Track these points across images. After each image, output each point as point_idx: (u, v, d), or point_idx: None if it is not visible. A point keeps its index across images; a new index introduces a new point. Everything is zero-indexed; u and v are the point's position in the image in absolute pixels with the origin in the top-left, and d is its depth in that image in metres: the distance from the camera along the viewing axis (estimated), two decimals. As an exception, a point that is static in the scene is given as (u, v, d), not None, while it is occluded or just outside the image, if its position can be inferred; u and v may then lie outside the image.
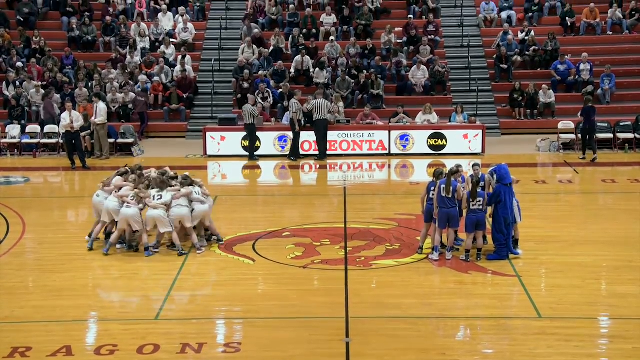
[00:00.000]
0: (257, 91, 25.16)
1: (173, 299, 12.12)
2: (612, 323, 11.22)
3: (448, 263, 13.47)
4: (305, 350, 10.22)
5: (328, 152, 23.14)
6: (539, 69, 27.86)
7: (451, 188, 13.21)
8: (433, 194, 13.51)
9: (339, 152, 23.43)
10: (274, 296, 12.18)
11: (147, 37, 28.89)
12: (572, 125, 24.01)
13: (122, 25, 29.02)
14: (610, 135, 24.19)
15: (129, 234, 14.21)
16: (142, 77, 26.63)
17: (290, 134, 23.16)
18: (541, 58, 27.92)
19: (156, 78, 26.92)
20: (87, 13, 29.69)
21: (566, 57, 27.26)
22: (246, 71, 26.38)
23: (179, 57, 27.66)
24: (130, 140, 24.32)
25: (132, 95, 26.02)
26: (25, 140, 24.64)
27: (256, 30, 28.60)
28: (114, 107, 25.78)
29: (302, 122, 22.95)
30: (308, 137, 23.26)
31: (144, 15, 30.23)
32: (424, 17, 29.72)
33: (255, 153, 23.10)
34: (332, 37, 28.27)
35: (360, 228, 15.55)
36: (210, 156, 23.48)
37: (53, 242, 15.07)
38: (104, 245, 14.26)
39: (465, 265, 13.34)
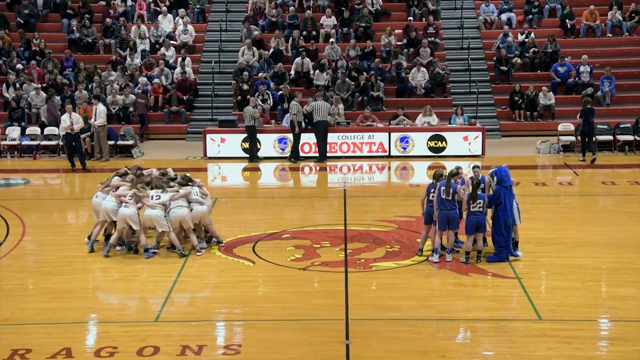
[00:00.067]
0: (257, 93, 25.17)
1: (173, 300, 12.11)
2: (612, 325, 11.22)
3: (448, 265, 13.46)
4: (305, 353, 10.21)
5: (328, 154, 23.14)
6: (538, 71, 27.87)
7: (451, 190, 13.21)
8: (433, 196, 13.51)
9: (339, 154, 23.43)
10: (274, 298, 12.17)
11: (147, 39, 28.90)
12: (572, 127, 24.02)
13: (122, 27, 29.03)
14: (610, 137, 24.21)
15: (128, 234, 14.20)
16: (142, 79, 26.65)
17: (290, 136, 23.16)
18: (541, 60, 27.93)
19: (156, 80, 26.93)
20: (87, 15, 29.70)
21: (566, 59, 27.27)
22: (245, 73, 26.38)
23: (179, 59, 27.66)
24: (130, 142, 24.32)
25: (132, 97, 26.03)
26: (25, 142, 24.66)
27: (256, 32, 28.62)
28: (113, 109, 25.78)
29: (302, 124, 22.95)
30: (308, 139, 23.27)
31: (144, 17, 30.24)
32: (423, 19, 29.72)
33: (252, 155, 23.09)
34: (332, 39, 28.28)
35: (360, 230, 15.55)
36: (210, 158, 23.49)
37: (53, 244, 15.07)
38: (104, 247, 14.26)
39: (465, 267, 13.33)
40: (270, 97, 25.56)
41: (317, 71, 26.76)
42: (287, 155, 23.21)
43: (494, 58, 27.91)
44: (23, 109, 25.64)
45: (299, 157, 23.04)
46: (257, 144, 23.24)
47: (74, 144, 22.09)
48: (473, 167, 14.03)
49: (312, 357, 10.11)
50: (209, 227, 14.56)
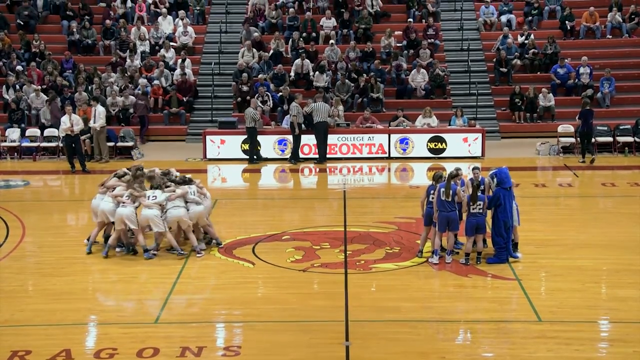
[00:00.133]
0: (257, 95, 25.17)
1: (172, 302, 12.10)
2: (612, 326, 11.22)
3: (448, 266, 13.46)
4: (305, 354, 10.21)
5: (328, 156, 23.14)
6: (538, 73, 27.89)
7: (451, 191, 13.21)
8: (433, 198, 13.51)
9: (339, 155, 23.43)
10: (274, 300, 12.17)
11: (147, 41, 28.91)
12: (572, 129, 24.01)
13: (122, 29, 29.04)
14: (610, 139, 24.21)
15: (127, 235, 14.19)
16: (142, 81, 26.66)
17: (289, 137, 23.17)
18: (541, 62, 27.94)
19: (156, 81, 26.93)
20: (87, 17, 29.70)
21: (566, 60, 27.29)
22: (245, 74, 26.38)
23: (179, 61, 27.67)
24: (130, 144, 24.33)
25: (132, 98, 26.04)
26: (25, 144, 24.66)
27: (256, 34, 28.63)
28: (113, 110, 25.80)
29: (302, 126, 22.95)
30: (308, 141, 23.27)
31: (144, 19, 30.25)
32: (423, 20, 29.72)
33: (255, 157, 23.08)
34: (332, 41, 28.29)
35: (360, 231, 15.55)
36: (210, 160, 23.49)
37: (53, 246, 15.07)
38: (103, 248, 14.25)
39: (465, 268, 13.33)
40: (270, 98, 25.57)
41: (317, 73, 26.77)
42: (287, 156, 23.22)
43: (494, 59, 27.92)
44: (23, 111, 25.64)
45: (299, 159, 23.04)
46: (258, 145, 23.22)
47: (73, 145, 22.09)
48: (473, 169, 14.05)
49: (312, 359, 10.10)
50: (208, 229, 14.55)
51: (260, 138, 23.24)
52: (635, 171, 22.05)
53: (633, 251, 14.18)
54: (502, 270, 13.20)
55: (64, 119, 22.18)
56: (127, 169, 14.96)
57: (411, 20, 29.47)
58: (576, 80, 26.87)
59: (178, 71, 27.25)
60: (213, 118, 26.05)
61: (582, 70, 26.87)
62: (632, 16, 29.45)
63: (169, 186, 14.17)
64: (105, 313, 11.85)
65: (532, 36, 28.51)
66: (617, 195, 19.28)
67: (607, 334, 11.09)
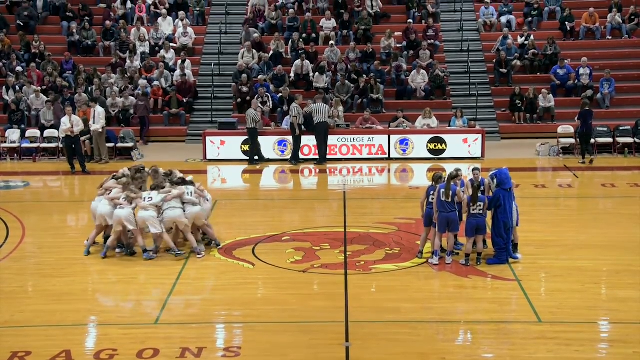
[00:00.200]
0: (257, 96, 25.16)
1: (172, 303, 12.10)
2: (612, 327, 11.22)
3: (448, 267, 13.46)
4: (305, 355, 10.21)
5: (328, 157, 23.14)
6: (538, 74, 27.90)
7: (451, 192, 13.21)
8: (432, 198, 13.51)
9: (339, 156, 23.44)
10: (274, 300, 12.17)
11: (147, 42, 28.92)
12: (572, 130, 24.00)
13: (122, 30, 29.05)
14: (610, 140, 24.20)
15: (127, 236, 14.18)
16: (142, 82, 26.67)
17: (289, 138, 23.17)
18: (541, 62, 27.95)
19: (156, 82, 26.93)
20: (87, 18, 29.73)
21: (566, 61, 27.29)
22: (244, 75, 26.38)
23: (179, 62, 27.68)
24: (130, 145, 24.33)
25: (132, 99, 26.05)
26: (25, 145, 24.66)
27: (256, 35, 28.63)
28: (113, 111, 25.80)
29: (302, 127, 22.95)
30: (308, 142, 23.27)
31: (143, 20, 30.26)
32: (423, 21, 29.73)
33: (256, 157, 23.08)
34: (331, 42, 28.30)
35: (360, 232, 15.55)
36: (210, 160, 23.49)
37: (53, 247, 15.07)
38: (102, 249, 14.25)
39: (465, 269, 13.33)
40: (270, 99, 25.57)
41: (317, 73, 26.78)
42: (286, 157, 23.23)
43: (494, 60, 27.93)
44: (23, 112, 25.64)
45: (299, 160, 23.03)
46: (259, 146, 23.19)
47: (73, 146, 22.09)
48: (473, 170, 14.05)
49: (312, 360, 10.12)
50: (207, 229, 14.53)
51: (260, 139, 23.24)
52: (635, 172, 22.05)
53: (633, 252, 14.18)
54: (502, 271, 13.20)
55: (64, 120, 22.18)
56: (128, 169, 14.96)
57: (411, 21, 29.48)
58: (576, 81, 26.88)
59: (178, 72, 27.26)
60: (213, 119, 26.05)
61: (582, 71, 26.88)
62: (632, 17, 29.45)
63: (163, 187, 14.16)
64: (105, 314, 11.86)
65: (532, 37, 28.52)
66: (617, 196, 19.28)
67: (607, 335, 11.09)
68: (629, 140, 24.06)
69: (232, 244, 14.86)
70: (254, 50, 27.95)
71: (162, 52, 28.32)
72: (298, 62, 27.35)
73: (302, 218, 17.53)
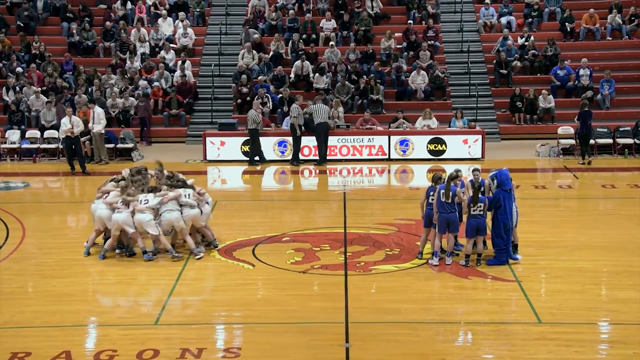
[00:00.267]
0: (257, 96, 25.15)
1: (172, 304, 12.10)
2: (612, 328, 11.22)
3: (448, 268, 13.46)
4: (305, 356, 10.21)
5: (328, 157, 23.13)
6: (538, 74, 27.91)
7: (450, 193, 13.21)
8: (432, 199, 13.51)
9: (339, 157, 23.44)
10: (274, 301, 12.17)
11: (147, 43, 28.92)
12: (572, 131, 23.98)
13: (122, 31, 29.05)
14: (610, 141, 24.20)
15: (127, 236, 14.17)
16: (142, 83, 26.67)
17: (289, 139, 23.17)
18: (541, 63, 27.95)
19: (156, 83, 26.93)
20: (87, 18, 29.75)
21: (566, 62, 27.30)
22: (244, 76, 26.38)
23: (179, 63, 27.70)
24: (130, 145, 24.33)
25: (132, 100, 26.06)
26: (25, 146, 24.66)
27: (256, 36, 28.63)
28: (113, 112, 25.81)
29: (302, 128, 22.95)
30: (308, 142, 23.27)
31: (143, 21, 30.26)
32: (423, 22, 29.74)
33: (256, 158, 23.08)
34: (331, 43, 28.31)
35: (360, 233, 15.55)
36: (210, 161, 23.49)
37: (52, 247, 15.07)
38: (102, 250, 14.27)
39: (465, 270, 13.33)
40: (270, 100, 25.57)
41: (317, 74, 26.78)
42: (286, 158, 23.23)
43: (494, 61, 27.92)
44: (23, 112, 25.65)
45: (299, 160, 23.02)
46: (260, 147, 23.18)
47: (73, 147, 22.09)
48: (473, 171, 14.05)
49: (312, 360, 10.12)
50: (205, 231, 14.50)
51: (260, 140, 23.21)
52: (635, 173, 22.05)
53: (633, 253, 14.18)
54: (502, 272, 13.20)
55: (64, 121, 22.18)
56: (130, 170, 14.95)
57: (411, 22, 29.48)
58: (576, 82, 26.88)
59: (178, 73, 27.26)
60: (213, 120, 26.04)
61: (582, 72, 26.88)
62: (632, 18, 29.45)
63: (161, 190, 14.15)
64: (105, 314, 11.85)
65: (532, 38, 28.52)
66: (617, 197, 19.28)
67: (607, 336, 11.10)
68: (629, 141, 24.05)
69: (232, 244, 14.86)
70: (254, 51, 27.96)
71: (162, 52, 28.33)
72: (298, 62, 27.35)
73: (302, 219, 17.53)
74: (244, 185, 22.13)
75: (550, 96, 26.12)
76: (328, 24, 29.46)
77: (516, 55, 28.10)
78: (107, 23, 29.44)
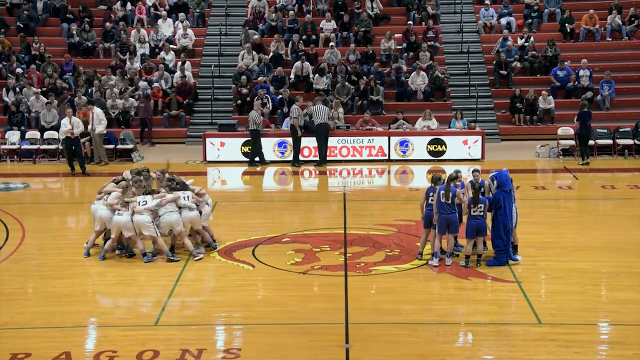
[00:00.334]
0: (256, 97, 25.14)
1: (172, 304, 12.10)
2: (612, 329, 11.22)
3: (448, 269, 13.45)
4: (305, 356, 10.21)
5: (328, 158, 23.13)
6: (538, 75, 27.92)
7: (450, 194, 13.20)
8: (432, 200, 13.51)
9: (339, 157, 23.44)
10: (274, 302, 12.17)
11: (147, 43, 28.93)
12: (572, 131, 23.97)
13: (122, 32, 29.06)
14: (610, 141, 24.20)
15: (127, 239, 14.17)
16: (142, 83, 26.68)
17: (289, 140, 23.17)
18: (540, 64, 27.96)
19: (156, 84, 26.93)
20: (87, 19, 29.74)
21: (565, 63, 27.30)
22: (244, 77, 26.38)
23: (179, 63, 27.71)
24: (130, 146, 24.32)
25: (132, 101, 26.06)
26: (24, 146, 24.66)
27: (256, 37, 28.64)
28: (113, 113, 25.81)
29: (302, 129, 22.95)
30: (308, 143, 23.27)
31: (143, 22, 30.27)
32: (423, 23, 29.74)
33: (256, 159, 23.07)
34: (331, 43, 28.32)
35: (360, 234, 15.54)
36: (210, 162, 23.49)
37: (52, 248, 15.07)
38: (101, 251, 14.26)
39: (464, 271, 13.33)
40: (270, 101, 25.57)
41: (317, 75, 26.78)
42: (287, 158, 23.23)
43: (494, 62, 27.93)
44: (23, 113, 25.65)
45: (300, 162, 22.99)
46: (261, 148, 23.16)
47: (73, 148, 22.09)
48: (473, 171, 14.04)
49: (312, 361, 10.12)
50: (203, 233, 14.47)
51: (261, 141, 23.20)
52: (635, 174, 22.06)
53: (633, 254, 14.18)
54: (502, 273, 13.20)
55: (64, 122, 22.19)
56: (131, 171, 14.95)
57: (411, 22, 29.48)
58: (576, 82, 26.89)
59: (178, 74, 27.26)
60: (213, 120, 26.05)
61: (581, 72, 26.88)
62: (632, 19, 29.45)
63: (159, 192, 14.14)
64: (105, 315, 11.86)
65: (532, 39, 28.53)
66: (617, 197, 19.28)
67: (607, 337, 11.10)
68: (629, 141, 24.05)
69: (232, 245, 14.85)
70: (254, 52, 27.96)
71: (162, 53, 28.33)
72: (298, 63, 27.35)
73: (302, 219, 17.54)
74: (244, 186, 22.14)
75: (550, 97, 26.12)
76: (328, 25, 29.47)
77: (516, 56, 28.11)
78: (107, 24, 29.45)
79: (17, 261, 14.36)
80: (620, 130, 24.35)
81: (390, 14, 30.79)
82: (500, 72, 27.60)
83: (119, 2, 30.84)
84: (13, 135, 24.88)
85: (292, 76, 27.32)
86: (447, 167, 21.08)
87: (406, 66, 27.77)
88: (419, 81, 27.05)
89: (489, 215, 13.53)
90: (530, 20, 29.99)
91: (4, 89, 26.65)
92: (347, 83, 26.40)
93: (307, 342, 10.60)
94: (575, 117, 22.84)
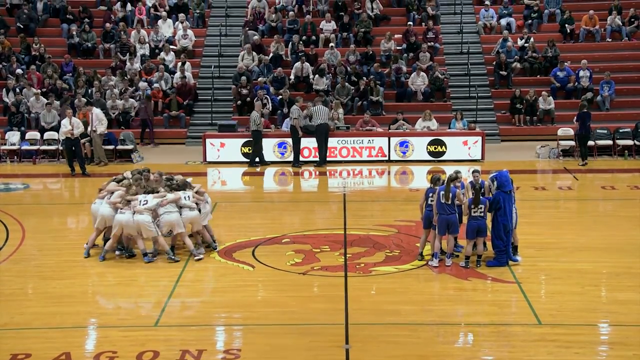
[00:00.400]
0: (256, 98, 25.14)
1: (172, 305, 12.10)
2: (612, 330, 11.22)
3: (448, 269, 13.45)
4: (305, 357, 10.21)
5: (328, 159, 23.13)
6: (538, 76, 27.91)
7: (450, 194, 13.20)
8: (431, 201, 13.51)
9: (339, 158, 23.44)
10: (274, 303, 12.17)
11: (147, 44, 28.93)
12: (572, 132, 23.97)
13: (122, 32, 29.07)
14: (610, 142, 24.20)
15: (127, 237, 14.18)
16: (142, 84, 26.68)
17: (289, 141, 23.16)
18: (540, 65, 27.96)
19: (156, 85, 26.94)
20: (87, 20, 29.74)
21: (565, 63, 27.30)
22: (243, 78, 26.38)
23: (179, 64, 27.71)
24: (130, 147, 24.32)
25: (132, 101, 26.07)
26: (24, 147, 24.66)
27: (256, 37, 28.64)
28: (113, 113, 25.82)
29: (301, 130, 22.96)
30: (308, 144, 23.27)
31: (143, 22, 30.27)
32: (423, 23, 29.75)
33: (257, 160, 23.07)
34: (331, 44, 28.32)
35: (360, 234, 15.54)
36: (210, 162, 23.50)
37: (52, 249, 15.07)
38: (102, 251, 14.25)
39: (464, 271, 13.33)
40: (270, 101, 25.57)
41: (317, 76, 26.78)
42: (287, 159, 23.23)
43: (494, 63, 27.94)
44: (23, 114, 25.66)
45: (300, 163, 22.98)
46: (262, 149, 23.15)
47: (73, 148, 22.10)
48: (473, 172, 14.05)
49: (312, 362, 10.12)
50: (204, 233, 14.48)
51: (262, 142, 23.20)
52: (635, 174, 22.05)
53: (633, 254, 14.18)
54: (502, 274, 13.20)
55: (64, 122, 22.20)
56: (132, 172, 14.95)
57: (411, 23, 29.49)
58: (576, 83, 26.89)
59: (178, 74, 27.27)
60: (213, 121, 26.06)
61: (581, 73, 26.89)
62: (632, 19, 29.46)
63: (158, 191, 14.14)
64: (105, 316, 11.86)
65: (531, 39, 28.53)
66: (617, 198, 19.28)
67: (607, 337, 11.10)
68: (629, 142, 24.05)
69: (232, 246, 14.85)
70: (254, 53, 27.97)
71: (162, 54, 28.34)
72: (298, 64, 27.36)
73: (302, 220, 17.54)
74: (244, 187, 22.14)
75: (550, 97, 26.13)
76: (328, 26, 29.47)
77: (516, 56, 28.12)
78: (107, 25, 29.45)
79: (17, 262, 14.36)
80: (620, 131, 24.34)
81: (390, 14, 30.80)
82: (500, 72, 27.61)
83: (119, 3, 30.85)
84: (13, 136, 24.88)
85: (292, 77, 27.32)
86: (447, 167, 21.10)
87: (406, 67, 27.78)
88: (419, 82, 27.05)
89: (489, 216, 13.54)
90: (530, 21, 30.00)
91: (4, 89, 26.65)
92: (347, 84, 26.40)
93: (307, 343, 10.60)
94: (575, 117, 22.85)
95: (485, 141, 23.57)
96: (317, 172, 22.49)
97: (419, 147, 23.49)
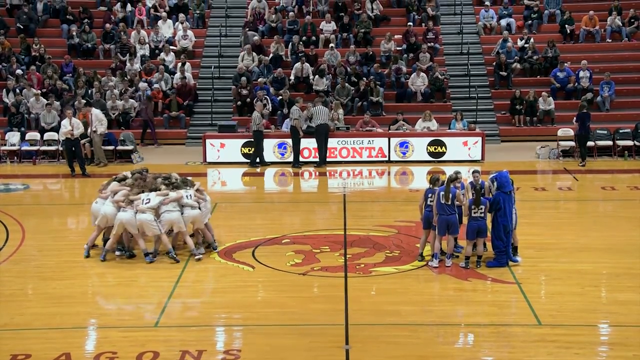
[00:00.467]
0: (256, 98, 25.13)
1: (172, 306, 12.10)
2: (612, 330, 11.22)
3: (448, 270, 13.46)
4: (305, 358, 10.22)
5: (328, 159, 23.13)
6: (538, 77, 27.92)
7: (450, 195, 13.20)
8: (431, 201, 13.51)
9: (339, 159, 23.44)
10: (274, 303, 12.17)
11: (147, 45, 28.94)
12: (572, 133, 23.97)
13: (122, 33, 29.07)
14: (610, 143, 24.20)
15: (128, 239, 14.18)
16: (142, 85, 26.68)
17: (289, 141, 23.16)
18: (540, 65, 27.97)
19: (156, 85, 26.94)
20: (87, 20, 29.75)
21: (565, 64, 27.30)
22: (243, 78, 26.39)
23: (179, 65, 27.72)
24: (130, 148, 24.32)
25: (132, 102, 26.08)
26: (24, 148, 24.65)
27: (256, 38, 28.64)
28: (113, 114, 25.82)
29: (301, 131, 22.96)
30: (308, 144, 23.27)
31: (143, 23, 30.28)
32: (423, 24, 29.76)
33: (257, 160, 23.07)
34: (331, 45, 28.33)
35: (360, 235, 15.54)
36: (210, 163, 23.50)
37: (52, 249, 15.06)
38: (102, 252, 14.25)
39: (464, 272, 13.33)
40: (269, 102, 25.57)
41: (317, 76, 26.78)
42: (286, 160, 23.23)
43: (494, 63, 27.94)
44: (23, 115, 25.66)
45: (300, 163, 22.97)
46: (262, 149, 23.14)
47: (73, 149, 22.09)
48: (473, 172, 14.04)
49: (312, 362, 10.12)
50: (205, 232, 14.49)
51: (263, 142, 23.19)
52: (635, 175, 22.05)
53: (633, 255, 14.18)
54: (502, 274, 13.20)
55: (64, 123, 22.20)
56: (131, 172, 14.95)
57: (411, 24, 29.49)
58: (576, 84, 26.90)
59: (178, 75, 27.27)
60: (213, 122, 26.07)
61: (581, 74, 26.89)
62: (632, 20, 29.47)
63: (161, 189, 14.14)
64: (105, 317, 11.86)
65: (531, 40, 28.54)
66: (617, 199, 19.28)
67: (607, 338, 11.10)
68: (629, 143, 24.06)
69: (232, 246, 14.85)
70: (254, 53, 27.97)
71: (162, 54, 28.34)
72: (298, 64, 27.36)
73: (302, 221, 17.54)
74: (244, 187, 22.15)
75: (550, 98, 26.13)
76: (328, 26, 29.47)
77: (516, 57, 28.12)
78: (107, 25, 29.46)
79: (17, 262, 14.36)
80: (620, 131, 24.34)
81: (390, 15, 30.80)
82: (500, 73, 27.61)
83: (119, 4, 30.86)
84: (13, 137, 24.88)
85: (292, 77, 27.33)
86: (447, 168, 21.11)
87: (406, 67, 27.78)
88: (418, 82, 27.05)
89: (489, 217, 13.54)
90: (530, 22, 30.01)
91: (4, 90, 26.65)
92: (347, 84, 26.40)
93: (307, 344, 10.60)
94: (575, 118, 22.84)
95: (485, 142, 23.57)
96: (317, 173, 22.50)
97: (419, 147, 23.49)
